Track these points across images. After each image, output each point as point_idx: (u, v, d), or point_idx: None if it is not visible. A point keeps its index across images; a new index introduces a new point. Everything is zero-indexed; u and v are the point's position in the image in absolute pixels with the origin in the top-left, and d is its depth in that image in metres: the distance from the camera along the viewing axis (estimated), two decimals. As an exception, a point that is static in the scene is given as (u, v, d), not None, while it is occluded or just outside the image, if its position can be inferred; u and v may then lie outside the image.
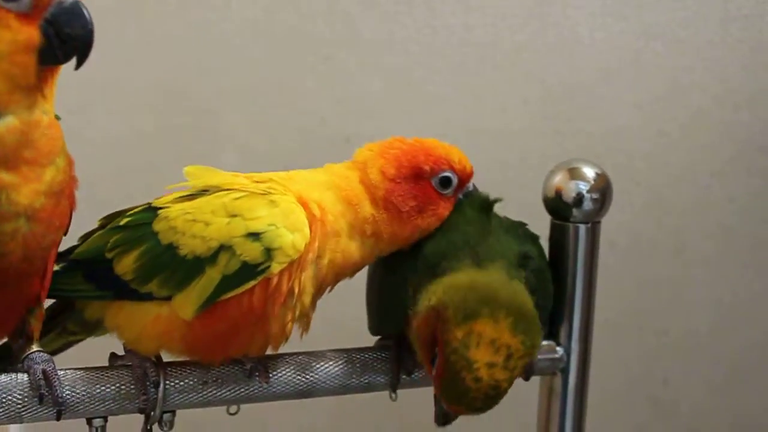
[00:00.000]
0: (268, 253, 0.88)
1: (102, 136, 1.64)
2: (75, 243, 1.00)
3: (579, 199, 1.06)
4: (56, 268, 0.96)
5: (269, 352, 0.97)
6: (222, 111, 1.69)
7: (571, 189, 1.07)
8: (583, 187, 1.07)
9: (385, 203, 0.96)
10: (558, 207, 1.08)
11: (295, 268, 0.91)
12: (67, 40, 0.79)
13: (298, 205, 0.92)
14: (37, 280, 0.90)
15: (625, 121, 1.75)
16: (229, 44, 1.68)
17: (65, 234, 0.93)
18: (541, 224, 1.08)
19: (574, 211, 1.07)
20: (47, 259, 0.90)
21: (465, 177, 1.01)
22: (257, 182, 0.94)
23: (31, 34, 0.78)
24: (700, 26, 1.74)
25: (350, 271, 0.99)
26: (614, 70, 1.74)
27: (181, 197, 0.94)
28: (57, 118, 0.85)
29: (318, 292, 0.96)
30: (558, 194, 1.08)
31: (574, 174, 1.07)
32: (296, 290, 0.92)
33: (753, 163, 1.77)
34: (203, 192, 0.94)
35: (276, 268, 0.89)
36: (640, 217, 1.76)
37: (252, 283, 0.89)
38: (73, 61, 0.81)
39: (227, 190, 0.93)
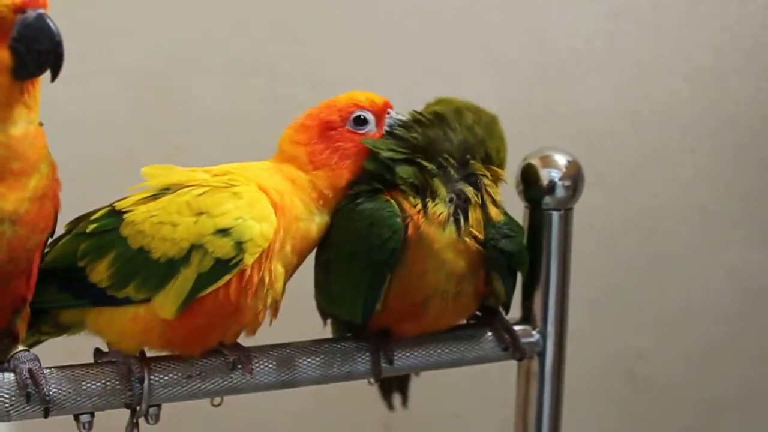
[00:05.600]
0: (240, 246, 0.90)
1: (77, 127, 1.63)
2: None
3: (551, 186, 1.09)
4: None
5: (245, 338, 0.99)
6: (198, 97, 1.69)
7: (543, 177, 1.09)
8: (555, 174, 1.09)
9: (314, 165, 0.99)
10: (531, 194, 1.10)
11: (264, 258, 0.92)
12: (37, 55, 0.81)
13: (261, 193, 0.93)
14: (22, 281, 0.92)
15: (598, 103, 1.76)
16: (204, 30, 1.68)
17: (51, 236, 0.95)
18: (515, 210, 1.10)
19: (547, 199, 1.09)
20: (32, 261, 0.91)
21: (378, 109, 1.02)
22: (216, 176, 0.95)
23: (1, 56, 0.80)
24: (670, 6, 1.76)
25: (309, 250, 1.01)
26: (586, 51, 1.76)
27: (143, 198, 0.95)
28: (40, 124, 0.87)
29: (287, 278, 0.98)
30: (530, 182, 1.10)
31: (546, 162, 1.09)
32: (267, 279, 0.93)
33: (725, 141, 1.80)
34: (165, 191, 0.94)
35: (249, 259, 0.90)
36: (614, 197, 1.78)
37: (227, 277, 0.90)
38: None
39: (189, 186, 0.94)
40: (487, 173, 1.01)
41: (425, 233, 0.97)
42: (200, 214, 0.91)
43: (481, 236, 0.99)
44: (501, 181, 1.03)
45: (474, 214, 0.99)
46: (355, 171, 1.00)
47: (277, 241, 0.93)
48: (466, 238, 0.98)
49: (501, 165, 1.03)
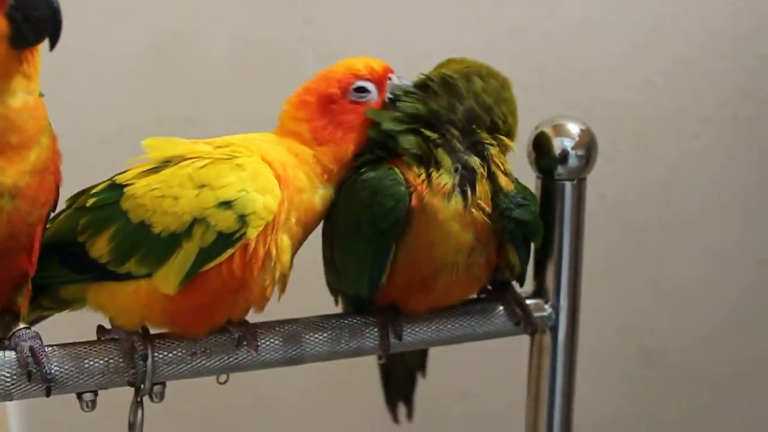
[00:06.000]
0: (243, 219, 0.87)
1: (82, 103, 1.62)
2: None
3: (564, 156, 1.06)
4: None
5: (254, 314, 0.97)
6: (202, 73, 1.66)
7: (555, 146, 1.06)
8: (568, 143, 1.06)
9: (317, 141, 0.97)
10: (543, 164, 1.08)
11: (269, 231, 0.90)
12: (35, 23, 0.79)
13: (264, 165, 0.91)
14: (24, 256, 0.90)
15: (610, 71, 1.73)
16: (208, 5, 1.65)
17: (54, 209, 0.93)
18: (526, 181, 1.08)
19: (560, 168, 1.06)
20: (34, 236, 0.90)
21: (378, 76, 1.00)
22: (219, 147, 0.93)
23: None
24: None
25: (315, 223, 0.99)
26: (597, 20, 1.72)
27: (144, 171, 0.93)
28: (40, 95, 0.85)
29: (293, 251, 0.96)
30: (543, 151, 1.07)
31: (559, 131, 1.07)
32: (273, 252, 0.91)
33: (740, 111, 1.76)
34: (166, 163, 0.92)
35: (252, 233, 0.88)
36: (627, 167, 1.76)
37: (230, 251, 0.88)
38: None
39: (190, 159, 0.91)
40: (494, 142, 0.98)
41: (429, 204, 0.95)
42: (202, 186, 0.89)
43: (488, 209, 0.97)
44: (509, 151, 1.01)
45: (481, 186, 0.97)
46: (361, 142, 0.98)
47: (282, 213, 0.91)
48: (473, 210, 0.96)
49: (509, 133, 1.01)
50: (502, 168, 0.98)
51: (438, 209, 0.95)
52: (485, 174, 0.97)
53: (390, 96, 1.00)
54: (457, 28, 1.69)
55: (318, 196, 0.96)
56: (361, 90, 0.98)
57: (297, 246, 0.97)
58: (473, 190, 0.96)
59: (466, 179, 0.96)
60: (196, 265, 0.88)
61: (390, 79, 1.01)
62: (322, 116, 0.97)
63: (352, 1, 1.68)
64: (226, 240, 0.88)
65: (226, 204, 0.88)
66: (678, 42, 1.74)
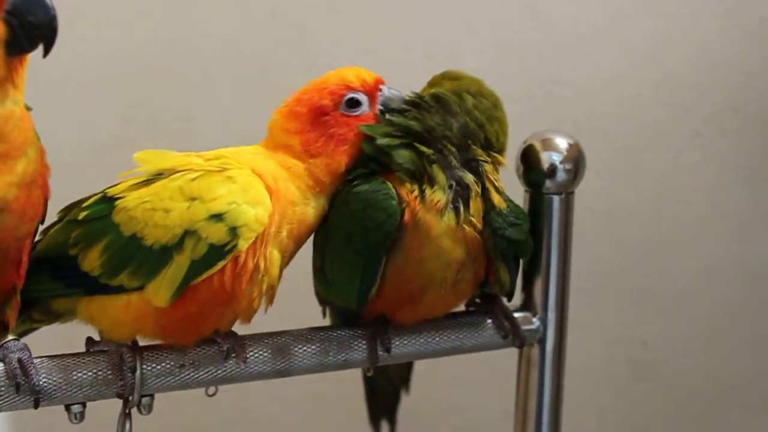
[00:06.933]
0: (234, 231, 0.88)
1: (72, 118, 1.62)
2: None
3: (552, 170, 1.07)
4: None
5: (240, 325, 0.97)
6: (196, 84, 1.67)
7: (544, 160, 1.07)
8: (556, 158, 1.07)
9: (309, 154, 0.96)
10: (531, 178, 1.08)
11: (259, 244, 0.90)
12: (31, 29, 0.79)
13: (255, 177, 0.92)
14: (12, 270, 0.90)
15: (599, 85, 1.74)
16: (202, 15, 1.66)
17: (42, 222, 0.93)
18: (513, 194, 1.08)
19: (548, 182, 1.07)
20: (22, 249, 0.89)
21: (370, 88, 0.99)
22: (209, 160, 0.93)
23: None
24: (673, -13, 1.74)
25: (307, 235, 0.99)
26: (587, 34, 1.74)
27: (136, 184, 0.93)
28: (27, 108, 0.85)
29: (283, 264, 0.96)
30: (531, 165, 1.08)
31: (547, 145, 1.07)
32: (262, 265, 0.92)
33: (727, 125, 1.78)
34: (158, 176, 0.92)
35: (243, 245, 0.89)
36: (617, 181, 1.77)
37: (221, 263, 0.89)
38: (41, 49, 0.81)
39: (181, 171, 0.92)
40: (489, 159, 0.99)
41: (422, 220, 0.95)
42: (193, 199, 0.89)
43: (479, 225, 0.97)
44: (501, 167, 1.01)
45: (475, 203, 0.97)
46: (353, 155, 0.98)
47: (273, 226, 0.92)
48: (465, 226, 0.97)
49: (501, 150, 1.02)
50: (495, 185, 0.99)
51: (430, 225, 0.96)
52: (479, 191, 0.98)
53: (380, 108, 1.00)
54: (448, 42, 1.70)
55: (311, 207, 0.97)
56: (353, 102, 0.98)
57: (288, 258, 0.97)
58: (466, 207, 0.97)
59: (460, 195, 0.97)
60: (187, 278, 0.89)
61: (381, 90, 1.01)
62: (314, 128, 0.97)
63: (345, 14, 1.69)
64: (217, 252, 0.88)
65: (218, 216, 0.88)
66: (667, 56, 1.75)
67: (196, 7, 1.65)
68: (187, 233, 0.88)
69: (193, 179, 0.90)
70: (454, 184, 0.97)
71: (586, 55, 1.73)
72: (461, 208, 0.96)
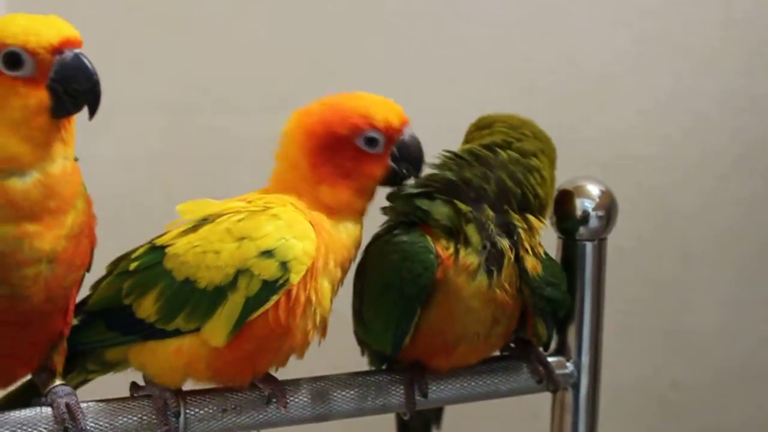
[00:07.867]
0: (285, 266, 0.90)
1: (113, 158, 1.65)
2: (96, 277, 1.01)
3: (585, 217, 1.08)
4: (75, 321, 0.97)
5: (295, 360, 0.98)
6: (234, 133, 1.70)
7: (577, 207, 1.08)
8: (589, 205, 1.08)
9: (315, 178, 0.97)
10: (565, 226, 1.10)
11: (309, 277, 0.92)
12: (75, 95, 0.82)
13: (298, 212, 0.94)
14: (59, 317, 0.92)
15: (629, 127, 1.76)
16: (234, 59, 1.69)
17: (88, 271, 0.95)
18: (547, 241, 1.10)
19: (581, 229, 1.08)
20: (69, 298, 0.92)
21: (392, 132, 0.98)
22: (251, 201, 0.96)
23: (40, 96, 0.81)
24: (701, 30, 1.75)
25: (349, 262, 1.00)
26: (615, 75, 1.75)
27: (183, 231, 0.95)
28: (75, 159, 0.87)
29: (333, 294, 0.98)
30: (564, 213, 1.09)
31: (579, 192, 1.09)
32: (314, 297, 0.94)
33: (757, 165, 1.79)
34: (203, 222, 0.95)
35: (294, 278, 0.91)
36: (646, 221, 1.77)
37: (275, 298, 0.91)
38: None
39: (226, 214, 0.94)
40: (524, 224, 0.99)
41: (453, 281, 0.97)
42: (242, 239, 0.91)
43: (511, 290, 0.98)
44: (542, 227, 1.01)
45: (507, 269, 0.98)
46: (358, 188, 0.98)
47: (320, 258, 0.94)
48: (497, 290, 0.97)
49: (542, 207, 1.02)
50: (530, 252, 0.99)
51: (461, 287, 0.97)
52: (512, 257, 0.98)
53: (394, 152, 0.99)
54: (476, 85, 1.72)
55: (342, 233, 0.97)
56: (371, 141, 0.98)
57: (336, 288, 0.99)
58: (499, 272, 0.97)
59: (494, 258, 0.97)
60: (243, 315, 0.91)
61: (402, 133, 1.00)
62: (323, 153, 0.97)
63: (372, 56, 1.72)
64: (270, 287, 0.90)
65: (268, 253, 0.90)
66: (695, 98, 1.76)
67: (234, 57, 1.68)
68: (240, 272, 0.91)
69: (239, 220, 0.93)
70: (488, 245, 0.97)
71: (616, 97, 1.75)
72: (494, 273, 0.97)
